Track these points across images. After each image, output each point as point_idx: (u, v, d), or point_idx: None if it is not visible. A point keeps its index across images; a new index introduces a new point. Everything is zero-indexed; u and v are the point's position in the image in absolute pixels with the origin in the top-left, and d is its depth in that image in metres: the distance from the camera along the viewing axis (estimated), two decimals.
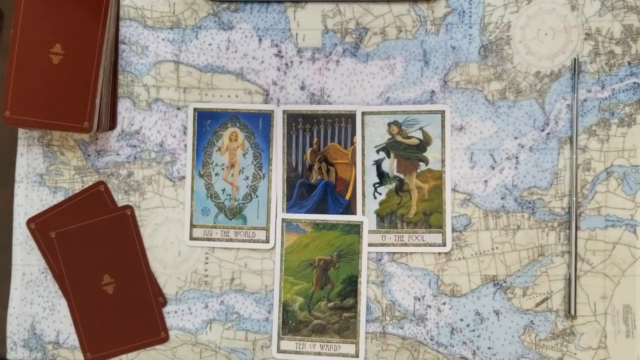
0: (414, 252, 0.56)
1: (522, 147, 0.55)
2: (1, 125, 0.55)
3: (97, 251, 0.56)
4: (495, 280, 0.55)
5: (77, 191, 0.57)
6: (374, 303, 0.56)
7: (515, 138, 0.55)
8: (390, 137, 0.56)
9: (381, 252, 0.56)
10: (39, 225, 0.57)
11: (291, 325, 0.56)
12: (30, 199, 0.58)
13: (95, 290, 0.56)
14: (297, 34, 0.57)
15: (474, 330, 0.55)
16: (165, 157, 0.58)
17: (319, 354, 0.56)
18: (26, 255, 0.57)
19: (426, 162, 0.56)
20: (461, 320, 0.55)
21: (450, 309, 0.55)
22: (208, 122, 0.58)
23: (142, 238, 0.57)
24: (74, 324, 0.56)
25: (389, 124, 0.56)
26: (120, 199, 0.57)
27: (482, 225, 0.55)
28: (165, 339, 0.56)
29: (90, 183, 0.58)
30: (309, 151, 0.57)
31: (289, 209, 0.57)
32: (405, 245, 0.56)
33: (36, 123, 0.54)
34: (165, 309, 0.57)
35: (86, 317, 0.55)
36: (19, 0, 0.54)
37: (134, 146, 0.58)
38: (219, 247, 0.57)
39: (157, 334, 0.56)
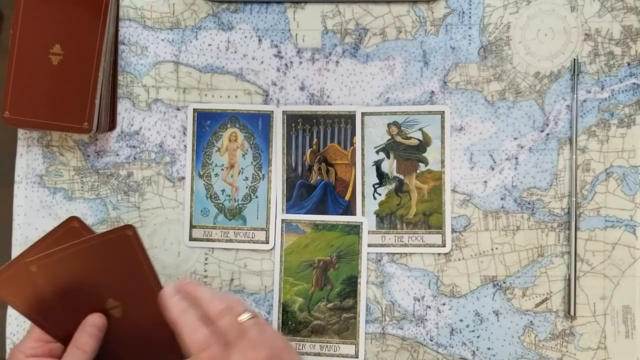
0: (413, 253, 0.56)
1: (522, 147, 0.55)
2: (1, 126, 0.55)
3: (95, 278, 0.48)
4: (494, 281, 0.55)
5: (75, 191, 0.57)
6: (373, 304, 0.56)
7: (515, 139, 0.55)
8: (389, 137, 0.56)
9: (381, 253, 0.56)
10: (4, 282, 0.47)
11: (291, 325, 0.56)
12: (30, 199, 0.58)
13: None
14: (296, 34, 0.57)
15: (473, 331, 0.55)
16: (164, 157, 0.58)
17: (319, 354, 0.56)
18: None
19: (426, 162, 0.56)
20: (461, 320, 0.55)
21: (449, 309, 0.55)
22: (207, 123, 0.57)
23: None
24: None
25: (389, 125, 0.56)
26: (120, 200, 0.57)
27: (481, 226, 0.55)
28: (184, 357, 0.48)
29: (90, 184, 0.57)
30: (308, 152, 0.57)
31: (289, 209, 0.57)
32: (405, 245, 0.56)
33: (36, 123, 0.54)
34: None
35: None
36: (18, 0, 0.54)
37: (134, 147, 0.58)
38: (219, 247, 0.57)
39: (171, 352, 0.48)
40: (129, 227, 0.48)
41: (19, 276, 0.47)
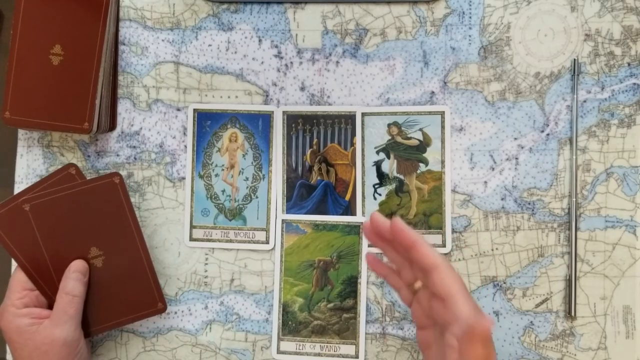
0: None
1: (522, 148, 0.55)
2: (1, 126, 0.55)
3: (81, 223, 0.52)
4: (495, 281, 0.55)
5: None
6: (373, 304, 0.56)
7: (515, 139, 0.55)
8: (390, 138, 0.56)
9: (381, 253, 0.56)
10: (1, 217, 0.52)
11: (291, 326, 0.56)
12: None
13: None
14: (297, 34, 0.57)
15: None
16: (165, 158, 0.58)
17: (319, 354, 0.56)
18: None
19: (426, 163, 0.56)
20: None
21: None
22: (208, 123, 0.58)
23: (134, 207, 0.54)
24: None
25: (389, 125, 0.56)
26: None
27: (481, 226, 0.55)
28: (163, 309, 0.54)
29: None
30: (308, 152, 0.57)
31: (289, 209, 0.57)
32: None
33: (36, 124, 0.54)
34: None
35: None
36: (19, 1, 0.54)
37: (134, 147, 0.58)
38: (219, 247, 0.57)
39: (153, 304, 0.54)
40: (116, 175, 0.53)
41: (13, 214, 0.51)
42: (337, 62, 0.57)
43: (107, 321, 0.54)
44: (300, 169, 0.57)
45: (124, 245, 0.53)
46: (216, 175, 0.57)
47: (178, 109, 0.58)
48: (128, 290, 0.54)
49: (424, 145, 0.56)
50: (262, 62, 0.57)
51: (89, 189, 0.52)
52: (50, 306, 0.52)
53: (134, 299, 0.54)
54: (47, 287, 0.52)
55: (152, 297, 0.54)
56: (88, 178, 0.54)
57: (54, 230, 0.52)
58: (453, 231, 0.55)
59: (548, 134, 0.55)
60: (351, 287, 0.56)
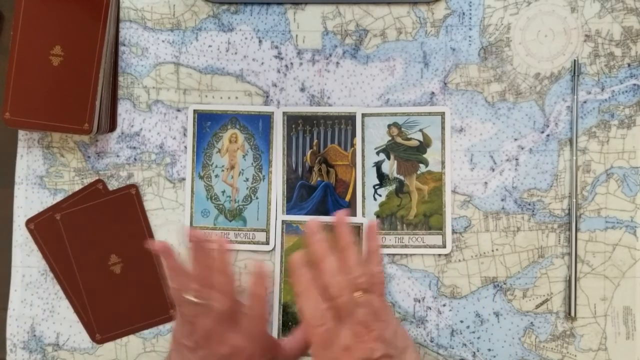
0: (414, 254, 0.56)
1: (522, 148, 0.55)
2: (1, 127, 0.55)
3: (102, 232, 0.56)
4: (495, 282, 0.55)
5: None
6: None
7: (515, 140, 0.55)
8: (390, 138, 0.56)
9: (381, 254, 0.56)
10: (38, 225, 0.57)
11: (291, 326, 0.56)
12: (30, 200, 0.58)
13: (103, 270, 0.56)
14: (297, 35, 0.57)
15: (474, 332, 0.55)
16: (165, 158, 0.58)
17: None
18: (26, 257, 0.57)
19: (426, 163, 0.56)
20: (461, 322, 0.55)
21: (450, 310, 0.55)
22: (208, 124, 0.58)
23: (148, 216, 0.57)
24: (80, 307, 0.56)
25: (389, 126, 0.56)
26: None
27: (482, 227, 0.55)
28: (174, 316, 0.56)
29: None
30: (309, 153, 0.57)
31: (289, 210, 0.57)
32: (405, 246, 0.56)
33: (36, 125, 0.54)
34: None
35: (94, 298, 0.56)
36: (19, 1, 0.54)
37: (134, 148, 0.58)
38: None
39: (165, 311, 0.56)
40: (133, 187, 0.57)
41: (48, 223, 0.57)
42: (337, 63, 0.57)
43: (123, 327, 0.56)
44: (300, 169, 0.57)
45: (139, 253, 0.55)
46: (216, 176, 0.57)
47: (178, 110, 0.58)
48: (143, 297, 0.56)
49: (424, 146, 0.56)
50: (262, 63, 0.57)
51: (109, 200, 0.57)
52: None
53: (147, 306, 0.56)
54: (70, 290, 0.56)
55: (164, 304, 0.56)
56: (87, 182, 0.57)
57: (80, 238, 0.56)
58: (453, 232, 0.55)
59: (548, 135, 0.55)
60: None
